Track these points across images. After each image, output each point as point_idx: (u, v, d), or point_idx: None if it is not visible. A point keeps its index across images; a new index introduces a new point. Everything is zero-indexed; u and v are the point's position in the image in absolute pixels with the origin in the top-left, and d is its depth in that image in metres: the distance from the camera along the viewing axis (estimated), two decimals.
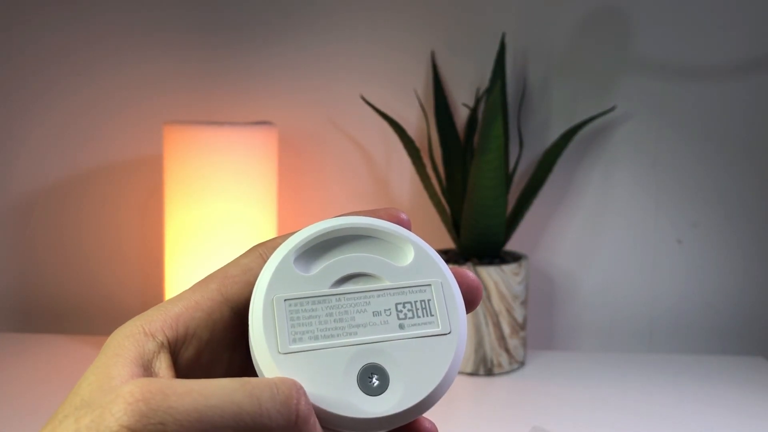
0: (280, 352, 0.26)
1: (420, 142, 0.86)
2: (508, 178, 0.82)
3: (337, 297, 0.27)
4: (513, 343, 0.79)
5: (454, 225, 0.83)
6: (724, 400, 0.73)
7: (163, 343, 0.26)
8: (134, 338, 0.26)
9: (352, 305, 0.27)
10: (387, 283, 0.28)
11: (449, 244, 0.87)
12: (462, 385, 0.76)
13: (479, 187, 0.75)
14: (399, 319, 0.27)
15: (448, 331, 0.27)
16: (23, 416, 0.66)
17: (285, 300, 0.27)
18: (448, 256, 0.81)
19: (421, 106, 0.87)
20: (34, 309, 0.93)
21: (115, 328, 0.27)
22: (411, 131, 0.85)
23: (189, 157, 0.74)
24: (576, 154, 0.87)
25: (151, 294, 0.91)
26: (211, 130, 0.74)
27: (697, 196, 0.88)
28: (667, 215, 0.88)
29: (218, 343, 0.28)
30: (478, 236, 0.78)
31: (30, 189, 0.92)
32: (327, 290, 0.27)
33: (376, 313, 0.27)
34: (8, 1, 0.89)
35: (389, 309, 0.27)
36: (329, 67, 0.88)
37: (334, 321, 0.27)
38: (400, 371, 0.26)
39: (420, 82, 0.88)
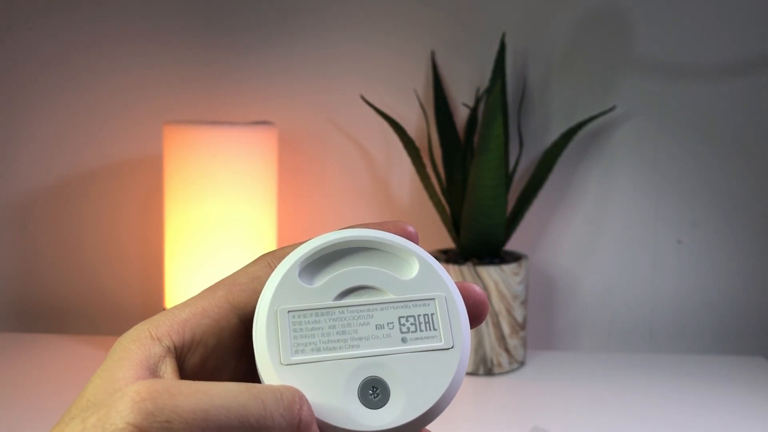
0: (282, 364, 0.26)
1: (420, 142, 0.86)
2: (508, 178, 0.82)
3: (341, 309, 0.27)
4: (513, 342, 0.79)
5: (454, 225, 0.83)
6: (724, 400, 0.73)
7: (169, 348, 0.26)
8: (140, 342, 0.26)
9: (355, 318, 0.27)
10: (390, 297, 0.28)
11: (449, 244, 0.87)
12: (462, 385, 0.76)
13: (479, 187, 0.75)
14: (402, 332, 0.27)
15: (450, 346, 0.27)
16: (23, 416, 0.66)
17: (288, 311, 0.27)
18: (448, 256, 0.81)
19: (421, 106, 0.87)
20: (33, 309, 0.93)
21: (116, 327, 0.27)
22: (411, 131, 0.85)
23: (189, 157, 0.74)
24: (576, 153, 0.87)
25: (151, 294, 0.91)
26: (211, 129, 0.74)
27: (696, 196, 0.88)
28: (667, 215, 0.88)
29: (224, 350, 0.28)
30: (478, 236, 0.78)
31: (30, 189, 0.92)
32: (330, 302, 0.27)
33: (378, 327, 0.27)
34: (9, 2, 0.89)
35: (392, 323, 0.27)
36: (329, 66, 0.88)
37: (337, 333, 0.27)
38: (401, 385, 0.26)
39: (420, 82, 0.88)
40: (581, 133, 0.85)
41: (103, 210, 0.91)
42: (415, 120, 0.88)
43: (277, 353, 0.26)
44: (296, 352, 0.26)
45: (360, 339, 0.27)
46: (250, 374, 0.29)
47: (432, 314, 0.28)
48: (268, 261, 0.29)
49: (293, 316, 0.27)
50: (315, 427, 0.25)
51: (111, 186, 0.91)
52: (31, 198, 0.92)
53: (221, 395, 0.23)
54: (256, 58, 0.89)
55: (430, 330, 0.28)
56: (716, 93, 0.86)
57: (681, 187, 0.88)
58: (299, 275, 0.27)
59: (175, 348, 0.27)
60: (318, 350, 0.26)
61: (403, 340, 0.27)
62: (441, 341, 0.27)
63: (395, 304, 0.28)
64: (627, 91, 0.86)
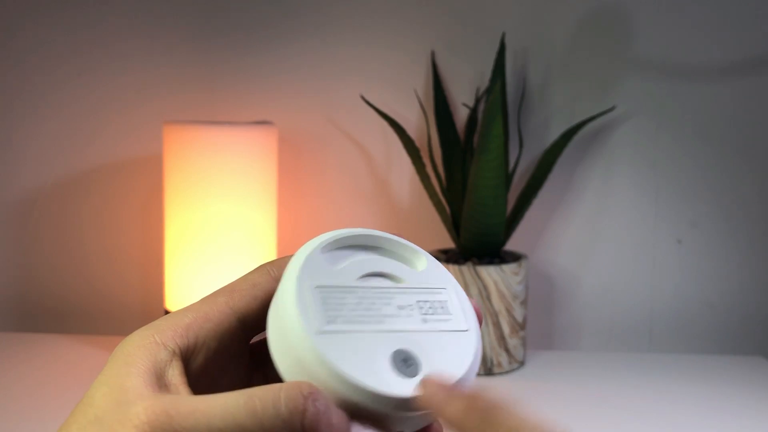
0: (318, 332, 0.26)
1: (420, 142, 0.87)
2: (508, 178, 0.82)
3: (364, 290, 0.29)
4: (513, 342, 0.79)
5: (454, 225, 0.83)
6: (724, 399, 0.73)
7: (174, 352, 0.27)
8: (146, 348, 0.27)
9: (378, 298, 0.29)
10: (407, 283, 0.30)
11: (449, 243, 0.87)
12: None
13: (479, 187, 0.75)
14: (422, 314, 0.29)
15: (466, 329, 0.29)
16: (23, 416, 0.66)
17: (316, 287, 0.28)
18: (448, 256, 0.81)
19: (421, 106, 0.87)
20: (34, 308, 0.93)
21: (116, 327, 0.28)
22: (411, 131, 0.85)
23: (189, 157, 0.74)
24: (576, 153, 0.87)
25: (151, 293, 0.91)
26: (211, 129, 0.74)
27: (696, 196, 0.88)
28: (667, 215, 0.88)
29: (225, 353, 0.29)
30: (477, 236, 0.78)
31: (31, 189, 0.92)
32: (355, 282, 0.29)
33: (400, 307, 0.29)
34: (10, 2, 0.89)
35: (411, 305, 0.29)
36: (329, 67, 0.88)
37: (363, 310, 0.28)
38: (429, 358, 0.28)
39: (420, 82, 0.88)
40: (581, 133, 0.85)
41: (104, 210, 0.92)
42: (415, 120, 0.88)
43: (311, 322, 0.26)
44: (328, 322, 0.27)
45: (385, 316, 0.28)
46: (250, 377, 0.30)
47: (445, 301, 0.30)
48: (268, 269, 0.30)
49: (321, 291, 0.28)
50: (326, 421, 0.25)
51: (111, 186, 0.91)
52: (32, 198, 0.92)
53: (219, 414, 0.24)
54: (257, 58, 0.89)
55: (445, 314, 0.29)
56: (716, 93, 0.86)
57: (680, 187, 0.88)
58: (321, 257, 0.29)
59: (180, 351, 0.27)
60: (349, 322, 0.27)
61: (424, 321, 0.29)
62: (457, 324, 0.29)
63: (412, 290, 0.30)
64: (627, 91, 0.87)
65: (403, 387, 0.26)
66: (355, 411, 0.25)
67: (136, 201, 0.91)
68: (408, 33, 0.87)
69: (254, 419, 0.24)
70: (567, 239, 0.89)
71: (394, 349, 0.27)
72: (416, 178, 0.87)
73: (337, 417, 0.25)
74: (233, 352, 0.29)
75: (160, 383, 0.26)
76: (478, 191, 0.75)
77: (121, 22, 0.89)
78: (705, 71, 0.86)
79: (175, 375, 0.26)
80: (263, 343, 0.30)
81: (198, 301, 0.29)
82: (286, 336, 0.26)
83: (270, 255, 0.78)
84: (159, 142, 0.83)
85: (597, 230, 0.89)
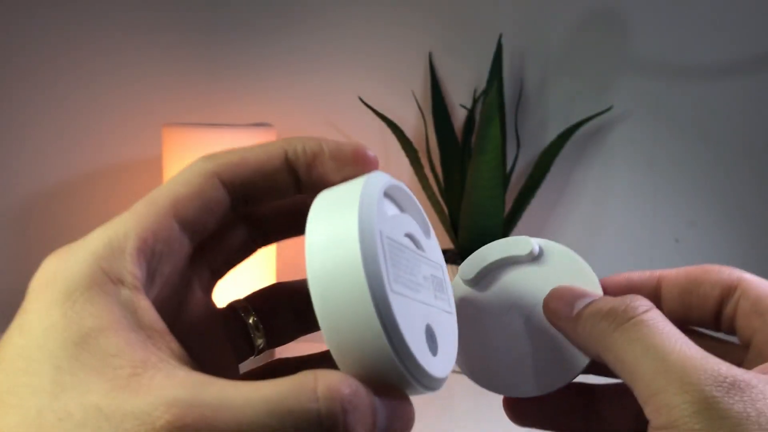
0: (392, 291, 0.22)
1: (418, 143, 0.87)
2: (506, 179, 0.82)
3: (410, 252, 0.25)
4: None
5: (452, 225, 0.83)
6: None
7: (136, 286, 0.22)
8: (104, 292, 0.21)
9: (416, 264, 0.26)
10: (426, 253, 0.27)
11: (447, 244, 0.88)
12: (461, 384, 0.76)
13: (477, 188, 0.75)
14: (434, 289, 0.27)
15: (452, 312, 0.28)
16: None
17: (387, 237, 0.23)
18: (447, 257, 0.81)
19: (419, 107, 0.87)
20: None
21: None
22: (409, 132, 0.86)
23: (188, 159, 0.74)
24: (573, 154, 0.88)
25: None
26: (210, 131, 0.75)
27: (694, 196, 0.88)
28: (665, 214, 0.88)
29: (175, 275, 0.24)
30: (476, 236, 0.79)
31: (29, 190, 0.92)
32: (403, 239, 0.25)
33: (425, 278, 0.26)
34: (9, 3, 0.89)
35: (427, 277, 0.26)
36: (327, 68, 0.89)
37: (409, 274, 0.24)
38: (441, 339, 0.26)
39: (418, 84, 0.88)
40: (578, 134, 0.86)
41: (103, 212, 0.92)
42: (413, 121, 0.88)
43: (386, 278, 0.22)
44: (395, 281, 0.23)
45: (418, 285, 0.25)
46: (203, 307, 0.26)
47: (443, 280, 0.28)
48: (216, 175, 0.25)
49: (389, 244, 0.23)
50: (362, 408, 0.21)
51: (110, 188, 0.91)
52: (31, 199, 0.92)
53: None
54: (255, 59, 0.89)
55: (443, 293, 0.28)
56: (713, 92, 0.87)
57: (678, 187, 0.88)
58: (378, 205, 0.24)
59: (139, 285, 0.22)
60: (404, 286, 0.24)
61: (435, 297, 0.27)
62: (449, 306, 0.28)
63: (429, 262, 0.27)
64: (624, 92, 0.87)
65: (432, 366, 0.24)
66: (387, 382, 0.22)
67: (135, 202, 0.91)
68: (405, 35, 0.88)
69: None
70: (565, 239, 0.89)
71: (426, 323, 0.24)
72: (414, 179, 0.87)
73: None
74: (182, 274, 0.25)
75: (141, 338, 0.21)
76: (475, 192, 0.75)
77: (120, 22, 0.89)
78: (702, 71, 0.87)
79: (152, 318, 0.21)
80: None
81: (136, 214, 0.24)
82: (354, 287, 0.22)
83: (269, 255, 0.79)
84: (158, 144, 0.83)
85: (594, 230, 0.89)
